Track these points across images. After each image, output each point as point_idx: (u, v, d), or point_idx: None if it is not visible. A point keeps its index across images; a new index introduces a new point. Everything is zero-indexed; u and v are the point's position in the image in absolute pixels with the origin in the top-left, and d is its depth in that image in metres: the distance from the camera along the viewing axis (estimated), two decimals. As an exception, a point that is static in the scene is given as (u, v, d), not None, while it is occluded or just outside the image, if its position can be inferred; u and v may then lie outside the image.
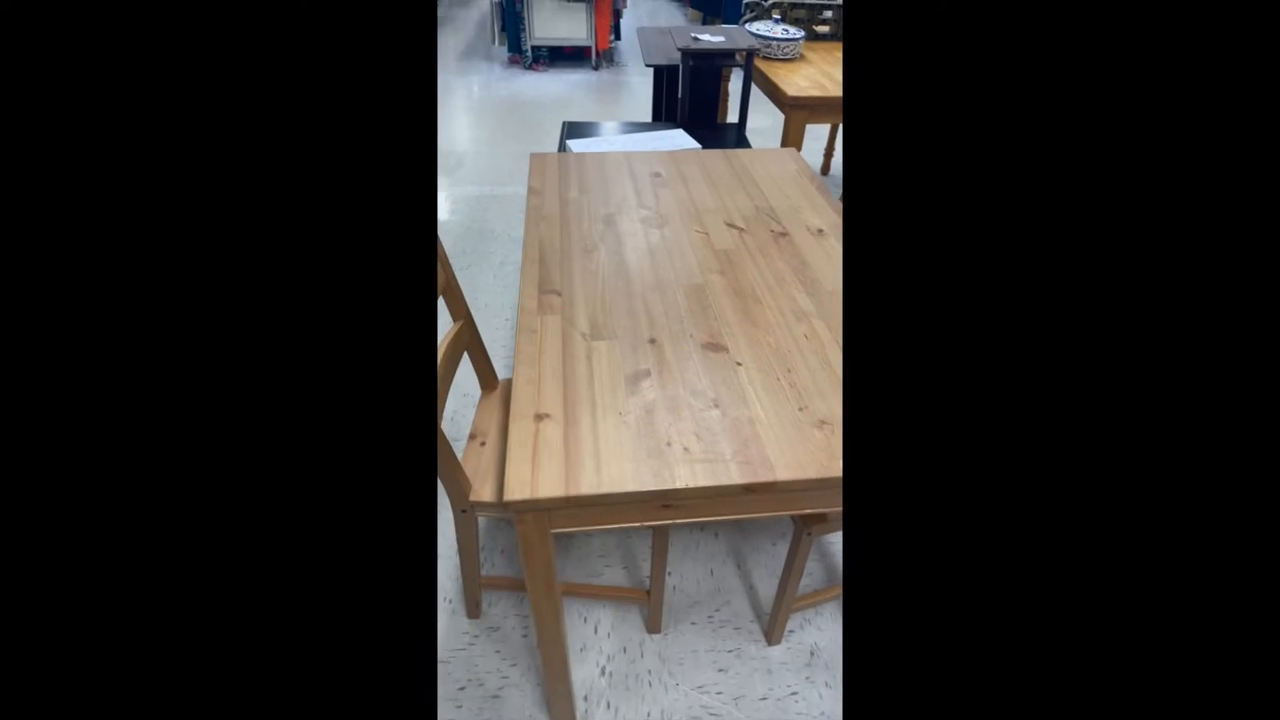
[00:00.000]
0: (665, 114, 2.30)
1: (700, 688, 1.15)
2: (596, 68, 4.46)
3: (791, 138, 1.96)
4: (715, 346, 0.90)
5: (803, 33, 2.21)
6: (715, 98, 2.27)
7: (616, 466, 0.71)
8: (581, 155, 1.47)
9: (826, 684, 1.16)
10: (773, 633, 1.22)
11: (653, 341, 0.90)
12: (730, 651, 1.21)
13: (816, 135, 3.46)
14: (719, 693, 1.15)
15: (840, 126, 3.19)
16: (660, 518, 0.74)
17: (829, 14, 2.44)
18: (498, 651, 1.19)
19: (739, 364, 0.87)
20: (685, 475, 0.71)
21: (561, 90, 4.08)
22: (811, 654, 1.21)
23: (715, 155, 1.50)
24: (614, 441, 0.74)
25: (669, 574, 1.34)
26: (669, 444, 0.74)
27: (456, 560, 1.34)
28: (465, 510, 1.02)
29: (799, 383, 0.84)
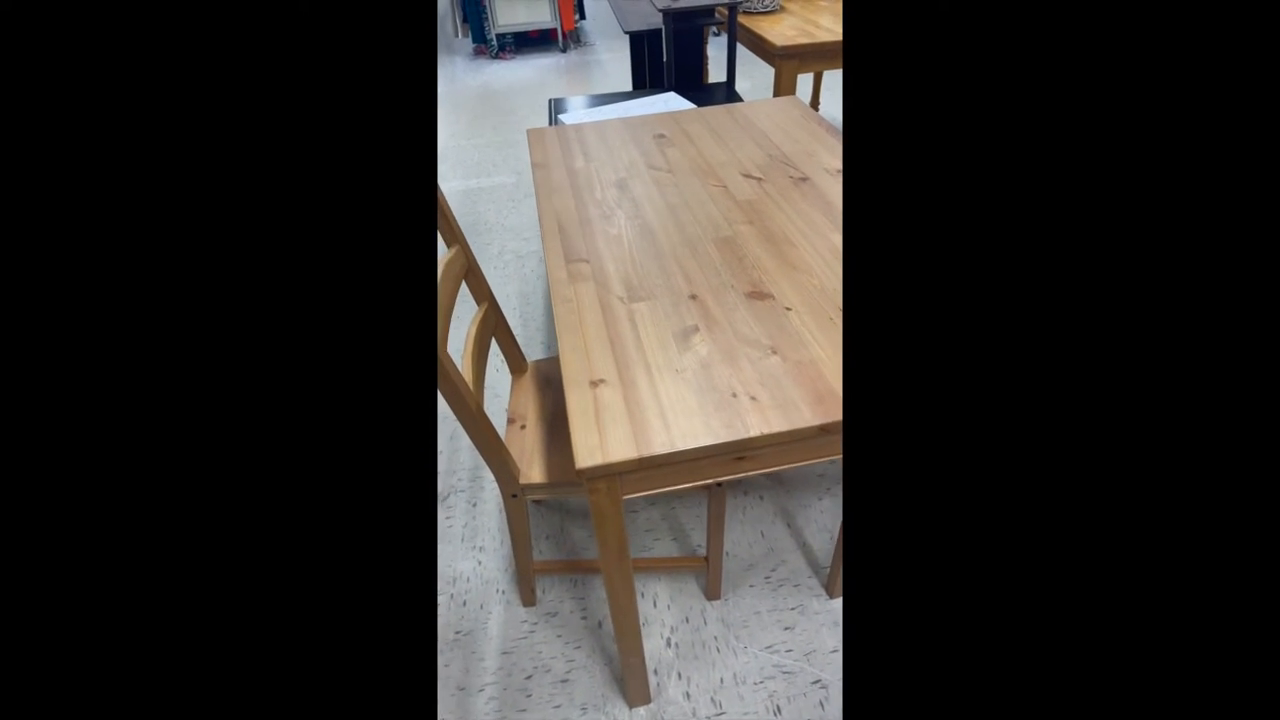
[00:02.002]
0: (650, 81, 2.24)
1: (769, 648, 1.14)
2: (565, 49, 4.37)
3: (784, 88, 1.91)
4: (760, 295, 0.87)
5: (781, -17, 2.16)
6: (699, 59, 2.22)
7: (685, 422, 0.68)
8: (580, 126, 1.43)
9: (895, 629, 1.15)
10: (833, 585, 1.20)
11: (694, 297, 0.87)
12: (794, 609, 1.19)
13: (800, 84, 3.41)
14: (789, 650, 1.13)
15: (822, 75, 3.15)
16: (734, 471, 0.71)
17: (803, -38, 2.38)
18: (559, 636, 1.17)
19: (788, 309, 0.84)
20: (758, 423, 0.68)
21: (532, 76, 4.00)
22: (875, 602, 1.19)
23: (716, 111, 1.46)
24: (677, 398, 0.71)
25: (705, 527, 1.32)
26: (734, 395, 0.71)
27: (503, 550, 1.31)
28: (516, 495, 0.99)
29: (853, 320, 0.81)
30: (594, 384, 0.74)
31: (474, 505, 1.42)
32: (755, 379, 0.73)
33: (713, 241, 0.99)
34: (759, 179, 1.16)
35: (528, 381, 1.16)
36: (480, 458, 1.52)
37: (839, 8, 2.16)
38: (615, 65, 4.04)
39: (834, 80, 3.51)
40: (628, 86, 3.68)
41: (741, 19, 2.08)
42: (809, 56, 1.86)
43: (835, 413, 0.68)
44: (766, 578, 1.25)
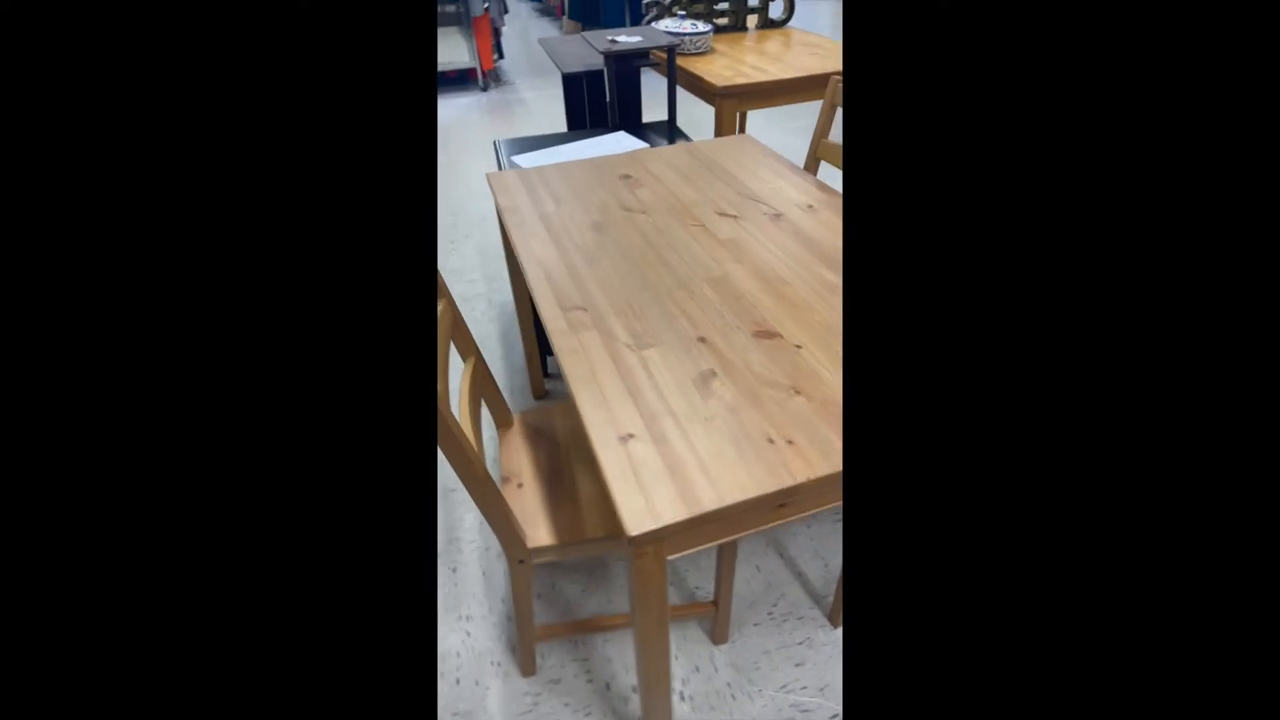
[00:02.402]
0: (591, 121, 2.25)
1: (783, 688, 1.12)
2: (485, 88, 4.34)
3: (725, 125, 1.97)
4: (767, 334, 0.87)
5: (711, 26, 2.24)
6: (638, 98, 2.26)
7: (729, 475, 0.66)
8: (542, 169, 1.40)
9: (902, 652, 1.16)
10: (835, 615, 1.21)
11: (702, 340, 0.86)
12: (801, 643, 1.18)
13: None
14: (803, 688, 1.12)
15: (747, 112, 3.28)
16: (776, 519, 0.70)
17: (725, 4, 2.49)
18: (566, 704, 1.10)
19: (798, 346, 0.84)
20: (802, 468, 0.67)
21: (454, 115, 3.94)
22: (878, 626, 1.20)
23: (674, 150, 1.48)
24: (714, 449, 0.69)
25: (704, 570, 1.29)
26: (770, 440, 0.70)
27: (492, 618, 1.23)
28: (523, 560, 0.93)
29: (862, 354, 0.82)
30: (623, 439, 0.71)
31: (454, 571, 1.33)
32: (787, 422, 0.73)
33: (706, 282, 0.99)
34: (735, 216, 1.17)
35: (516, 436, 1.11)
36: (457, 519, 1.43)
37: (764, 47, 2.27)
38: (540, 104, 4.05)
39: (759, 116, 3.66)
40: (558, 125, 3.69)
41: (678, 59, 2.14)
42: (747, 95, 1.93)
43: (871, 450, 0.69)
44: (769, 614, 1.23)
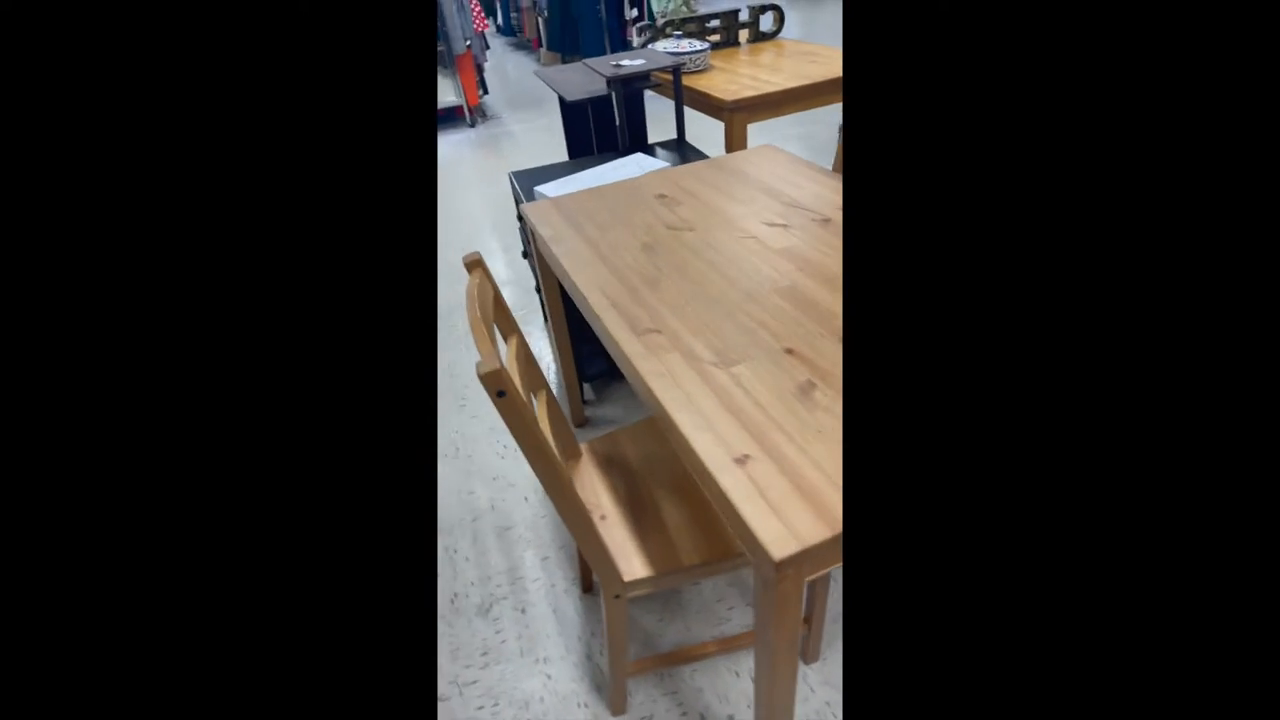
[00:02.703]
0: (599, 146, 2.26)
1: (884, 701, 1.08)
2: (473, 124, 4.37)
3: (735, 138, 1.98)
4: (854, 339, 0.85)
5: (707, 44, 2.27)
6: (644, 120, 2.27)
7: (861, 486, 0.64)
8: (574, 196, 1.40)
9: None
10: (924, 619, 1.18)
11: (790, 352, 0.84)
12: (894, 653, 1.15)
13: (714, 132, 3.56)
14: (905, 699, 1.08)
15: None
16: (910, 528, 0.67)
17: (715, 22, 2.52)
18: (664, 742, 1.06)
19: (890, 349, 0.83)
20: (933, 473, 0.65)
21: (447, 152, 3.95)
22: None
23: (701, 167, 1.48)
24: (835, 462, 0.67)
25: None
26: (892, 447, 0.68)
27: (571, 657, 1.19)
28: (619, 595, 0.90)
29: (956, 351, 0.81)
30: (739, 461, 0.69)
31: (522, 612, 1.29)
32: (902, 427, 0.71)
33: (774, 292, 0.97)
34: (784, 225, 1.16)
35: (587, 467, 1.08)
36: (518, 558, 1.39)
37: (760, 59, 2.29)
38: (529, 135, 4.07)
39: (756, 127, 3.70)
40: (551, 155, 3.71)
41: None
42: (756, 107, 1.95)
43: (996, 448, 0.67)
44: (856, 626, 1.20)
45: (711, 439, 0.72)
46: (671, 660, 1.12)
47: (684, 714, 1.10)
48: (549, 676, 1.17)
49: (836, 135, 3.45)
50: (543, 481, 0.76)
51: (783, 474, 0.67)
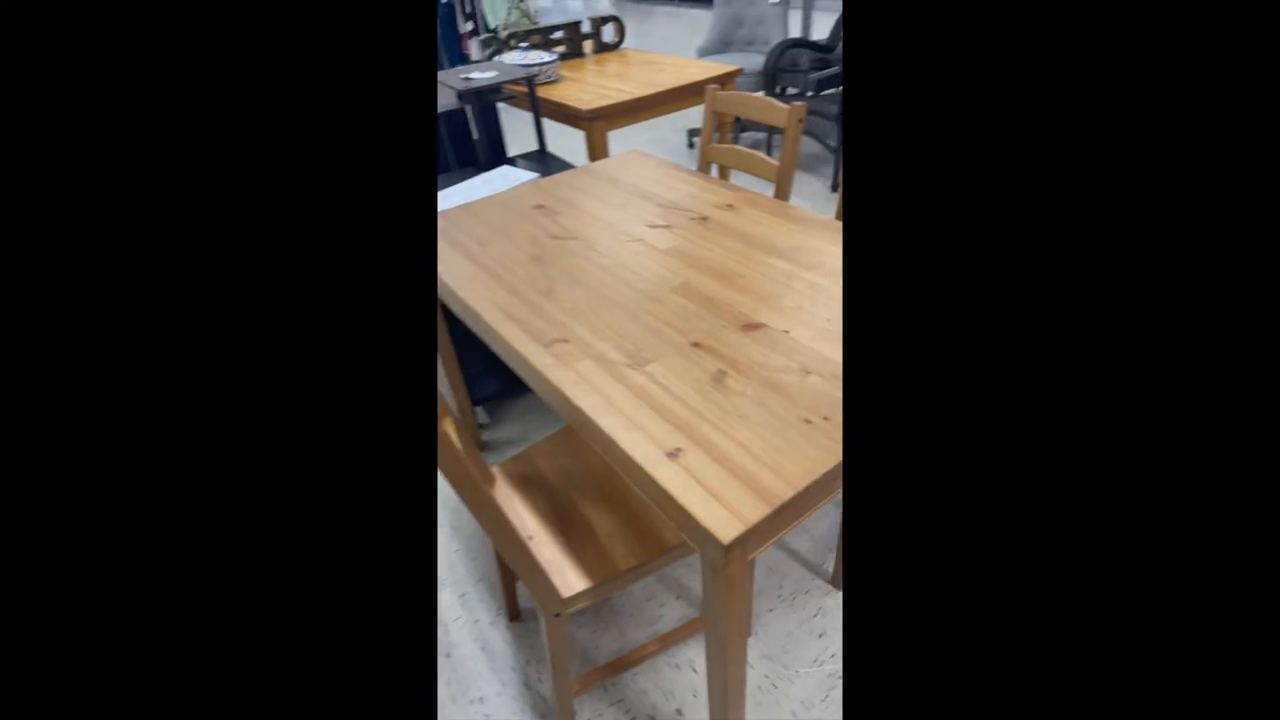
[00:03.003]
0: (459, 162, 2.18)
1: (815, 662, 1.15)
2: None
3: (598, 149, 2.01)
4: (753, 326, 0.90)
5: (556, 55, 2.28)
6: (500, 133, 2.23)
7: (789, 462, 0.68)
8: (445, 214, 1.34)
9: (902, 594, 1.25)
10: (836, 578, 1.27)
11: (697, 345, 0.87)
12: (816, 615, 1.23)
13: (574, 140, 3.58)
14: (832, 655, 1.16)
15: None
16: (833, 491, 0.72)
17: (559, 34, 2.54)
18: (618, 752, 1.05)
19: (786, 331, 0.88)
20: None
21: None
22: (874, 577, 1.28)
23: (574, 175, 1.48)
24: (762, 442, 0.71)
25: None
26: (807, 421, 0.73)
27: (508, 690, 1.14)
28: (559, 614, 0.88)
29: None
30: (671, 455, 0.70)
31: (448, 656, 1.21)
32: (812, 401, 0.76)
33: (672, 290, 1.00)
34: (666, 226, 1.20)
35: (505, 490, 1.04)
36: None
37: (607, 69, 2.35)
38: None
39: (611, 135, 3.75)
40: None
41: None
42: (614, 115, 1.99)
43: (893, 407, 0.74)
44: (779, 597, 1.26)
45: (641, 438, 0.73)
46: (614, 669, 1.11)
47: (633, 719, 1.09)
48: (488, 716, 1.11)
49: (685, 139, 3.62)
50: (472, 509, 0.72)
51: (715, 461, 0.69)
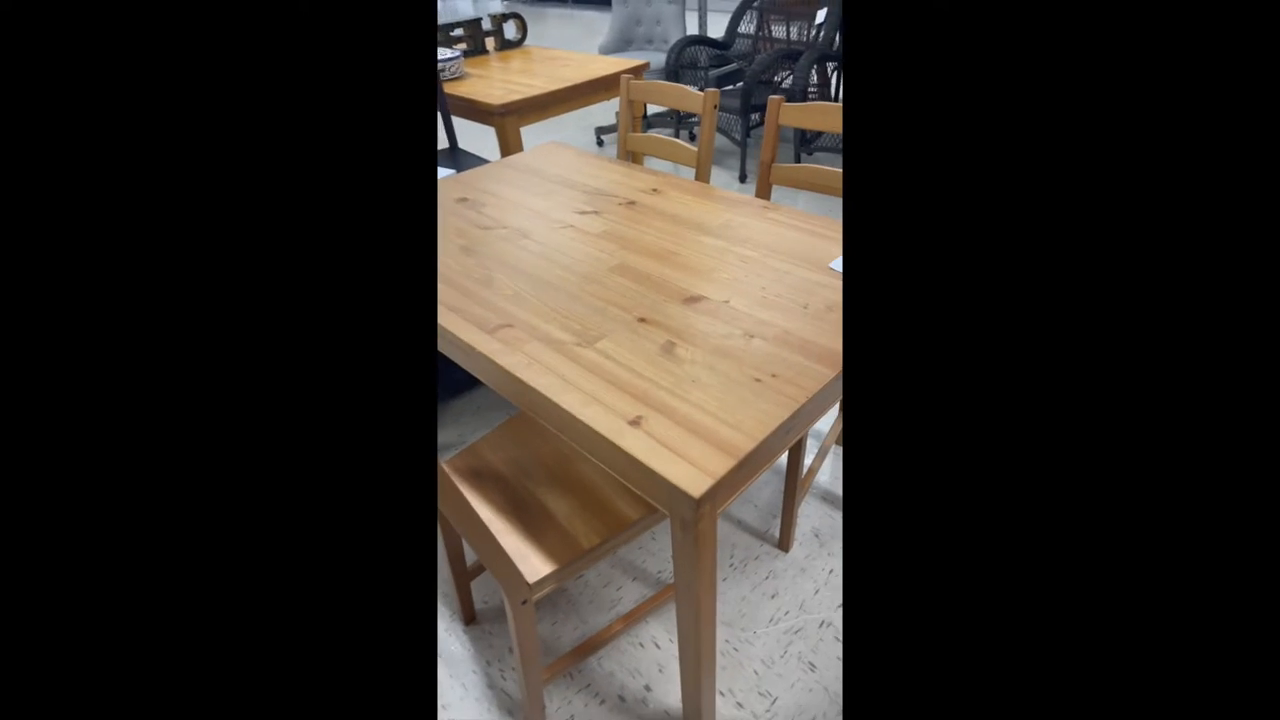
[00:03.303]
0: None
1: (771, 621, 1.20)
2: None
3: (512, 144, 1.99)
4: (693, 299, 0.93)
5: (459, 52, 2.23)
6: (407, 131, 2.14)
7: (746, 416, 0.71)
8: (362, 210, 1.28)
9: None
10: (784, 540, 1.33)
11: (643, 320, 0.89)
12: (767, 578, 1.28)
13: (487, 136, 3.51)
14: (786, 613, 1.21)
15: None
16: (789, 442, 0.76)
17: (459, 31, 2.49)
18: (591, 736, 1.05)
19: (726, 301, 0.92)
20: (798, 392, 0.74)
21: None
22: (816, 536, 1.35)
23: (493, 169, 1.46)
24: (718, 402, 0.74)
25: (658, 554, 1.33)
26: (758, 380, 0.77)
27: (470, 695, 1.11)
28: (525, 600, 0.87)
29: (784, 288, 0.93)
30: (633, 424, 0.71)
31: (403, 668, 1.16)
32: (760, 362, 0.80)
33: (610, 271, 1.01)
34: (595, 212, 1.21)
35: (453, 487, 1.01)
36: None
37: (511, 65, 2.33)
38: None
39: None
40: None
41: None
42: (525, 110, 1.98)
43: (836, 361, 0.79)
44: (731, 565, 1.31)
45: (601, 410, 0.74)
46: (580, 654, 1.11)
47: (602, 701, 1.10)
48: (453, 722, 1.08)
49: (594, 137, 3.64)
50: (443, 508, 0.70)
51: (676, 424, 0.71)
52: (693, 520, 0.66)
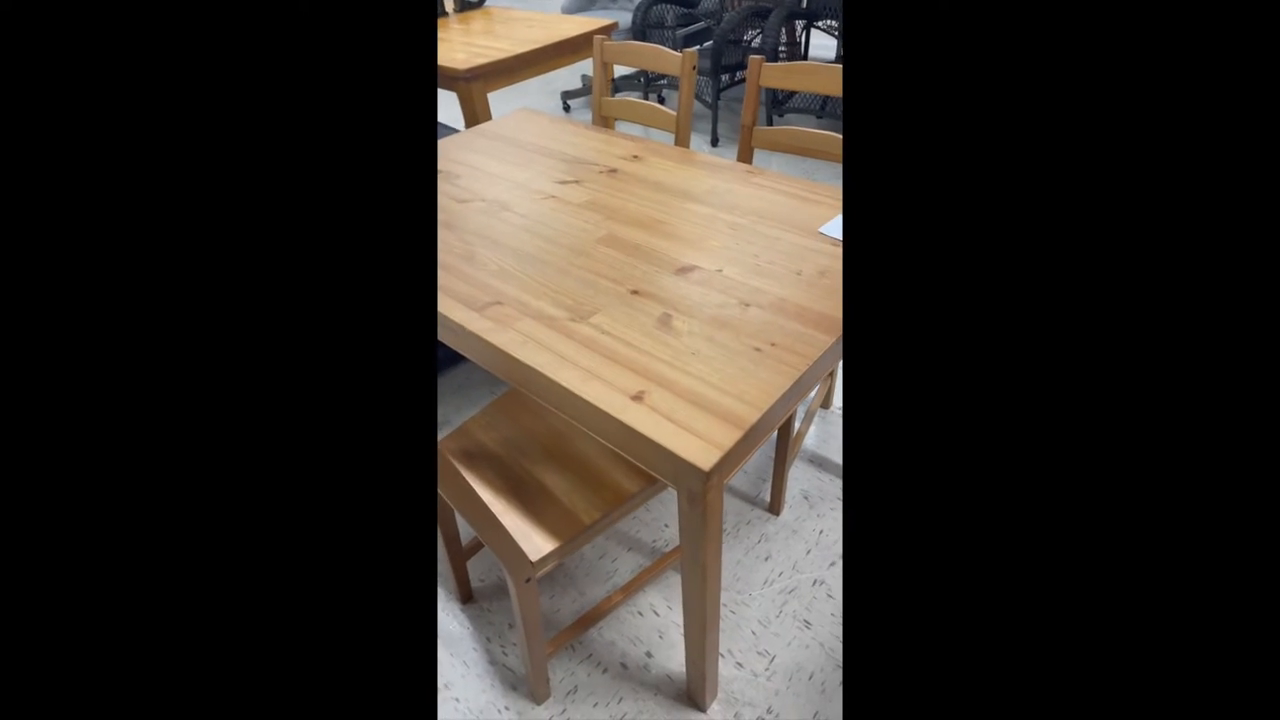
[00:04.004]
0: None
1: (766, 583, 1.23)
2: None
3: (480, 111, 1.92)
4: (685, 269, 0.92)
5: (416, 12, 2.12)
6: (367, 100, 2.04)
7: (749, 387, 0.71)
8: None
9: (833, 510, 1.35)
10: (774, 504, 1.35)
11: (636, 292, 0.87)
12: (759, 542, 1.30)
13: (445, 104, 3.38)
14: (780, 574, 1.24)
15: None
16: (791, 408, 0.76)
17: (415, -8, 2.37)
18: (595, 705, 1.07)
19: (719, 270, 0.91)
20: (798, 360, 0.74)
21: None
22: (806, 499, 1.38)
23: (465, 138, 1.41)
24: (719, 373, 0.73)
25: (651, 523, 1.34)
26: (758, 349, 0.76)
27: (472, 672, 1.11)
28: (529, 579, 0.87)
29: (776, 254, 0.92)
30: (636, 399, 0.71)
31: (403, 650, 1.16)
32: (758, 330, 0.79)
33: (597, 243, 0.99)
34: (576, 181, 1.18)
35: (451, 468, 1.00)
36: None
37: (473, 28, 2.23)
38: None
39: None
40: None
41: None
42: (492, 75, 1.90)
43: (833, 326, 0.79)
44: (725, 531, 1.32)
45: (601, 386, 0.72)
46: (582, 625, 1.12)
47: (605, 670, 1.11)
48: (458, 700, 1.09)
49: (560, 102, 3.54)
50: (444, 492, 0.69)
51: (679, 398, 0.70)
52: (701, 493, 0.66)
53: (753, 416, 0.67)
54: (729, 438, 0.65)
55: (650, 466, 0.70)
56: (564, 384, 0.73)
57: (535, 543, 0.88)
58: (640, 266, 0.93)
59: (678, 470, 0.66)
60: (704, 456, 0.64)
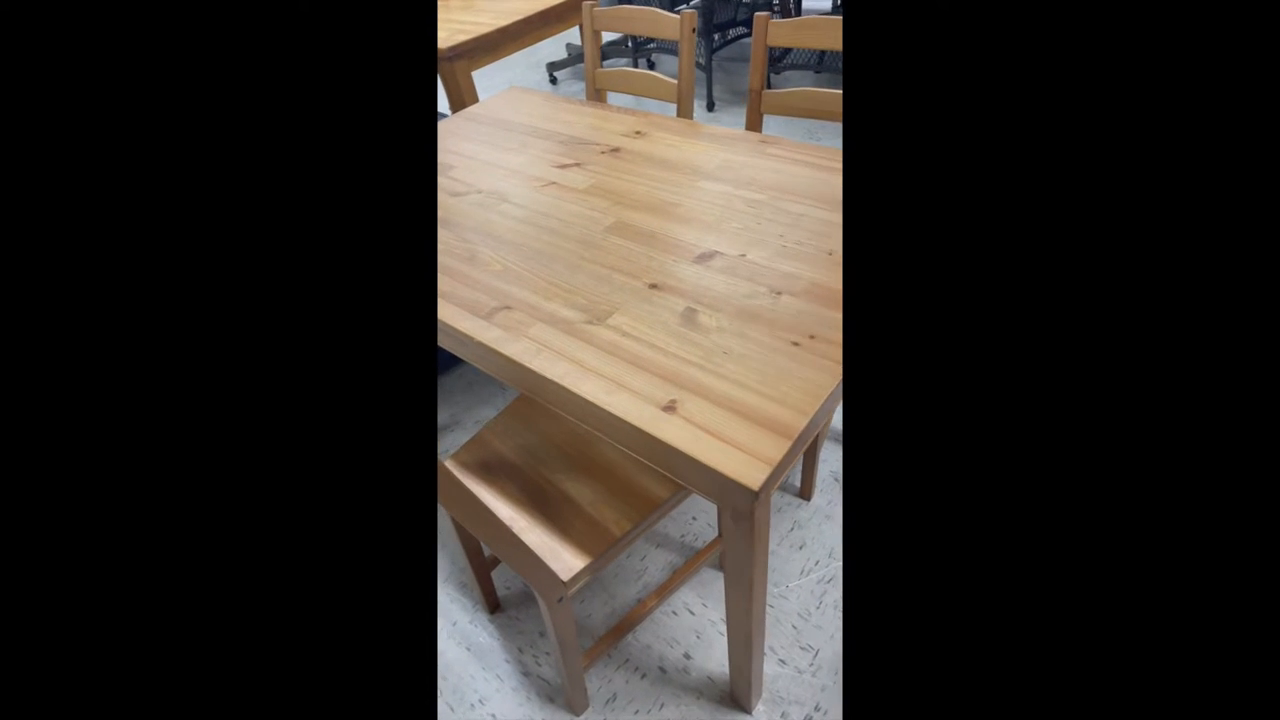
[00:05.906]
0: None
1: (803, 573, 1.18)
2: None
3: (465, 92, 1.81)
4: (705, 256, 0.84)
5: (389, -11, 2.00)
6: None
7: (791, 389, 0.64)
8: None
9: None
10: (805, 489, 1.30)
11: (654, 286, 0.80)
12: (793, 529, 1.25)
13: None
14: (816, 563, 1.19)
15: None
16: (836, 405, 0.70)
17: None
18: (636, 712, 1.03)
19: (743, 255, 0.83)
20: (839, 352, 0.68)
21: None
22: (836, 480, 1.32)
23: (452, 124, 1.32)
24: (756, 374, 0.66)
25: (678, 518, 1.29)
26: (795, 344, 0.69)
27: (506, 686, 1.08)
28: (562, 598, 0.82)
29: (803, 233, 0.85)
30: (668, 409, 0.64)
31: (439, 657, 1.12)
32: (793, 322, 0.72)
33: (606, 232, 0.92)
34: (577, 164, 1.10)
35: (468, 482, 0.94)
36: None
37: (451, 3, 2.11)
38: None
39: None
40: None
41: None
42: (476, 52, 1.79)
43: (872, 313, 0.72)
44: (754, 521, 1.28)
45: (629, 397, 0.66)
46: (618, 633, 1.08)
47: (643, 676, 1.07)
48: (494, 716, 1.05)
49: (546, 75, 3.40)
50: (447, 506, 0.63)
51: (715, 405, 0.64)
52: (747, 510, 0.61)
53: (799, 423, 0.61)
54: (776, 449, 0.59)
55: (689, 483, 0.64)
56: (587, 397, 0.67)
57: (565, 561, 0.83)
58: (656, 256, 0.86)
59: (722, 488, 0.60)
60: (751, 474, 0.57)
